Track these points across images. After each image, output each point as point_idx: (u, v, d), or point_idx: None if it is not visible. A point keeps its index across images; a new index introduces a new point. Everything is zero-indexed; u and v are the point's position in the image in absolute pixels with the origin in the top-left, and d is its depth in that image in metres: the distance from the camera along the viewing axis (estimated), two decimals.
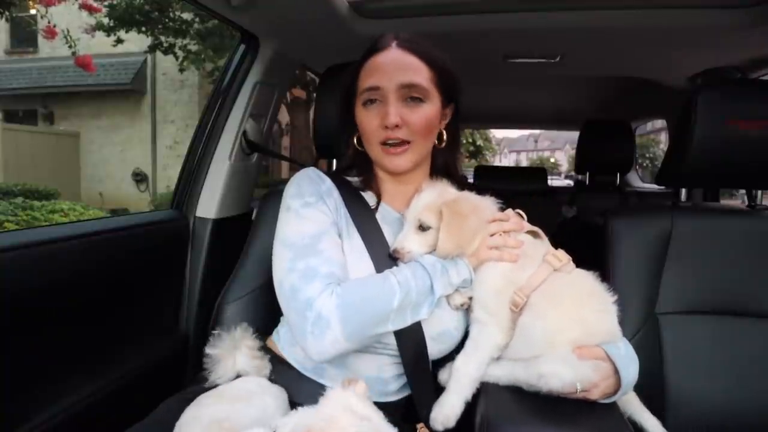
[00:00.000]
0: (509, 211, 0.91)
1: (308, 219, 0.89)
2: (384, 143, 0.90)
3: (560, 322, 0.79)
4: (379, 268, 0.88)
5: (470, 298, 0.88)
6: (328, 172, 1.00)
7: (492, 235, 0.86)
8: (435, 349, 0.90)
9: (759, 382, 1.01)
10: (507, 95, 2.81)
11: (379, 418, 0.64)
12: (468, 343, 0.86)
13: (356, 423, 0.60)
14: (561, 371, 0.75)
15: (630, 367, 0.78)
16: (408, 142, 0.90)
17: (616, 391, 0.78)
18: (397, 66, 0.89)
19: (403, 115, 0.88)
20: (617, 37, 1.51)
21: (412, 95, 0.89)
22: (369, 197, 0.98)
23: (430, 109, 0.90)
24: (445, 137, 0.97)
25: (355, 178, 1.02)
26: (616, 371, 0.77)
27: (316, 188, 0.94)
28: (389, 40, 0.92)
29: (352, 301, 0.81)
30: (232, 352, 0.90)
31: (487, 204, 0.90)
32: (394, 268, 0.86)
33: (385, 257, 0.89)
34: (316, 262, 0.84)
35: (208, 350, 0.91)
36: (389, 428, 0.63)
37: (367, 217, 0.94)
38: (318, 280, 0.82)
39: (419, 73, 0.89)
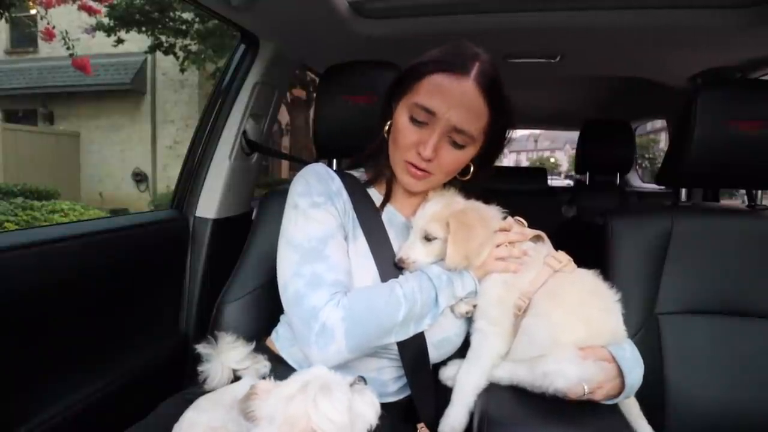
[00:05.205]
0: (510, 219, 0.90)
1: (315, 220, 0.87)
2: (408, 161, 0.87)
3: (564, 322, 0.78)
4: (383, 273, 0.87)
5: (475, 306, 0.87)
6: (337, 169, 0.98)
7: (498, 246, 0.86)
8: (435, 354, 0.90)
9: (759, 382, 1.01)
10: None
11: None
12: (469, 354, 0.86)
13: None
14: (567, 369, 0.73)
15: (635, 370, 0.77)
16: (430, 173, 0.87)
17: (618, 393, 0.77)
18: (462, 103, 0.82)
19: (438, 151, 0.85)
20: (617, 37, 1.51)
21: (455, 140, 0.85)
22: (374, 194, 0.97)
23: (466, 154, 0.87)
24: (471, 170, 0.92)
25: (361, 173, 1.00)
26: (621, 373, 0.76)
27: (325, 187, 0.91)
28: (470, 66, 0.83)
29: (358, 313, 0.80)
30: (219, 359, 0.89)
31: (493, 214, 0.89)
32: (401, 278, 0.85)
33: (389, 262, 0.89)
34: (322, 268, 0.83)
35: (199, 367, 0.89)
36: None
37: (374, 220, 0.92)
38: (324, 289, 0.81)
39: (478, 121, 0.85)
